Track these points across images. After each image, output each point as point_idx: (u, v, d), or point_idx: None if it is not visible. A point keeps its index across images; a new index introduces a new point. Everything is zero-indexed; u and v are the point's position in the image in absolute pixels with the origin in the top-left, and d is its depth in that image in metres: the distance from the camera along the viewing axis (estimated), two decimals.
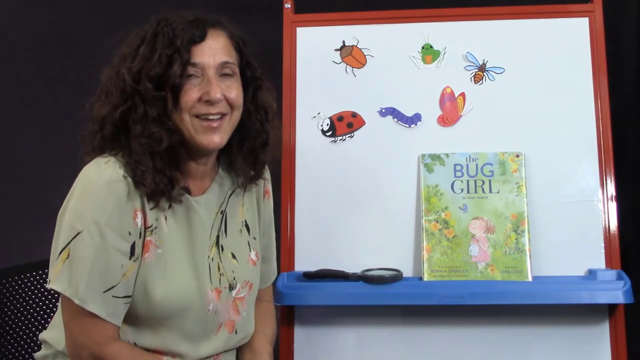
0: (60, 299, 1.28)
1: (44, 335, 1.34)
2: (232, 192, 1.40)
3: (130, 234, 1.21)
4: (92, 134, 1.26)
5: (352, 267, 1.72)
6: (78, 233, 1.18)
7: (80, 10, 2.26)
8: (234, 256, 1.37)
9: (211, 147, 1.27)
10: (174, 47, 1.22)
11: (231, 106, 1.28)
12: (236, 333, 1.37)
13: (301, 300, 1.69)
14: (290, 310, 1.73)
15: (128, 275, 1.22)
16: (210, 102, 1.24)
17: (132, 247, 1.22)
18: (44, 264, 1.72)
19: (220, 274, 1.33)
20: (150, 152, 1.22)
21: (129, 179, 1.21)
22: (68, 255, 1.19)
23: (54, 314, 1.35)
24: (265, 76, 1.38)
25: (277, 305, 1.69)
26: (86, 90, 1.30)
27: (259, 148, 1.37)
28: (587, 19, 1.76)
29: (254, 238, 1.44)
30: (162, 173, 1.23)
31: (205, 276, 1.30)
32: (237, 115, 1.30)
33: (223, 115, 1.27)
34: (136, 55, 1.24)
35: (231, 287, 1.35)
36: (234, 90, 1.28)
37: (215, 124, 1.26)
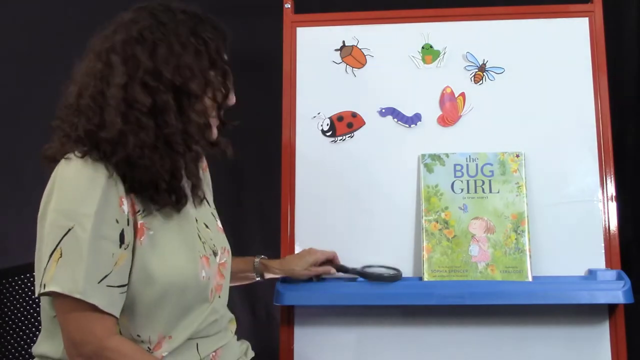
0: (52, 304, 1.25)
1: (39, 350, 1.31)
2: None
3: (117, 221, 1.20)
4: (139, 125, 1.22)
5: (352, 267, 1.72)
6: (69, 230, 1.17)
7: (81, 10, 2.25)
8: (206, 226, 1.39)
9: (213, 140, 1.33)
10: (219, 59, 1.28)
11: None
12: (220, 297, 1.38)
13: (301, 300, 1.69)
14: (290, 310, 1.73)
15: (120, 263, 1.21)
16: (229, 108, 1.31)
17: (121, 235, 1.21)
18: None
19: (203, 242, 1.35)
20: (176, 165, 1.24)
21: (110, 167, 1.20)
22: (61, 255, 1.17)
23: (41, 329, 1.32)
24: None
25: (277, 305, 1.69)
26: None
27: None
28: (587, 19, 1.76)
29: (214, 209, 1.48)
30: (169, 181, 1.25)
31: (196, 246, 1.32)
32: None
33: None
34: (179, 58, 1.23)
35: (214, 254, 1.37)
36: None
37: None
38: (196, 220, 1.36)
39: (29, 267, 1.70)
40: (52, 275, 1.17)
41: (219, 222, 1.46)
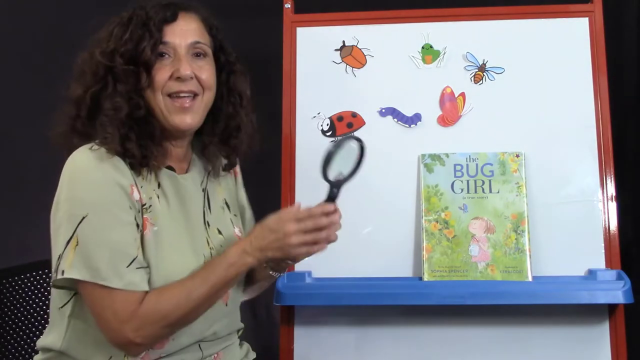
0: (60, 295, 1.27)
1: (42, 342, 1.32)
2: (208, 172, 1.43)
3: (131, 207, 1.23)
4: (71, 118, 1.29)
5: (352, 267, 1.72)
6: (83, 218, 1.18)
7: (81, 9, 2.25)
8: (220, 232, 1.39)
9: (184, 128, 1.30)
10: (146, 27, 1.26)
11: (202, 86, 1.31)
12: (227, 305, 1.38)
13: (301, 300, 1.69)
14: (290, 310, 1.73)
15: (141, 247, 1.23)
16: (180, 79, 1.27)
17: (136, 219, 1.23)
18: (44, 264, 1.72)
19: (211, 248, 1.35)
20: (116, 122, 1.24)
21: (118, 157, 1.23)
22: (77, 242, 1.18)
23: (48, 322, 1.34)
24: (239, 61, 1.41)
25: (277, 305, 1.69)
26: None
27: (233, 132, 1.39)
28: (587, 19, 1.76)
29: (235, 215, 1.47)
30: (134, 142, 1.24)
31: (200, 251, 1.32)
32: (209, 96, 1.33)
33: (195, 95, 1.30)
34: (110, 37, 1.28)
35: None
36: (205, 71, 1.31)
37: (187, 104, 1.29)
38: (208, 225, 1.37)
39: (29, 267, 1.71)
40: (70, 263, 1.19)
41: (237, 230, 1.44)
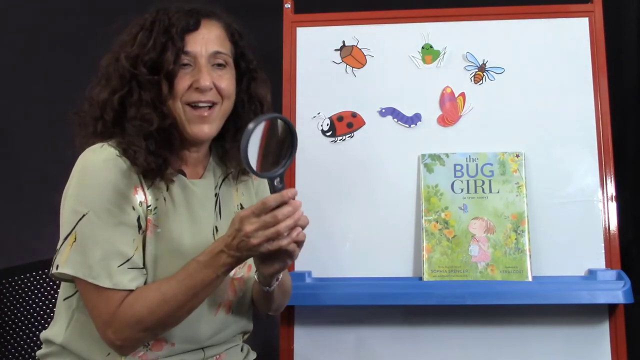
0: (66, 289, 1.29)
1: (45, 334, 1.34)
2: (225, 177, 1.42)
3: (134, 208, 1.24)
4: (93, 119, 1.29)
5: (352, 267, 1.72)
6: (83, 215, 1.20)
7: (81, 8, 2.26)
8: None
9: (201, 137, 1.30)
10: (168, 35, 1.26)
11: (221, 95, 1.30)
12: (232, 313, 1.37)
13: (301, 300, 1.69)
14: (290, 310, 1.73)
15: (140, 248, 1.24)
16: (200, 90, 1.27)
17: (138, 220, 1.24)
18: (44, 264, 1.72)
19: None
20: (143, 133, 1.24)
21: (125, 158, 1.24)
22: (75, 239, 1.20)
23: (54, 314, 1.35)
24: (260, 68, 1.41)
25: None
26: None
27: None
28: (587, 19, 1.76)
29: None
30: (154, 154, 1.25)
31: None
32: (227, 105, 1.33)
33: (213, 104, 1.30)
34: (134, 41, 1.28)
35: None
36: (225, 80, 1.31)
37: (205, 113, 1.29)
38: (216, 230, 1.36)
39: (29, 267, 1.71)
40: (65, 258, 1.21)
41: None
